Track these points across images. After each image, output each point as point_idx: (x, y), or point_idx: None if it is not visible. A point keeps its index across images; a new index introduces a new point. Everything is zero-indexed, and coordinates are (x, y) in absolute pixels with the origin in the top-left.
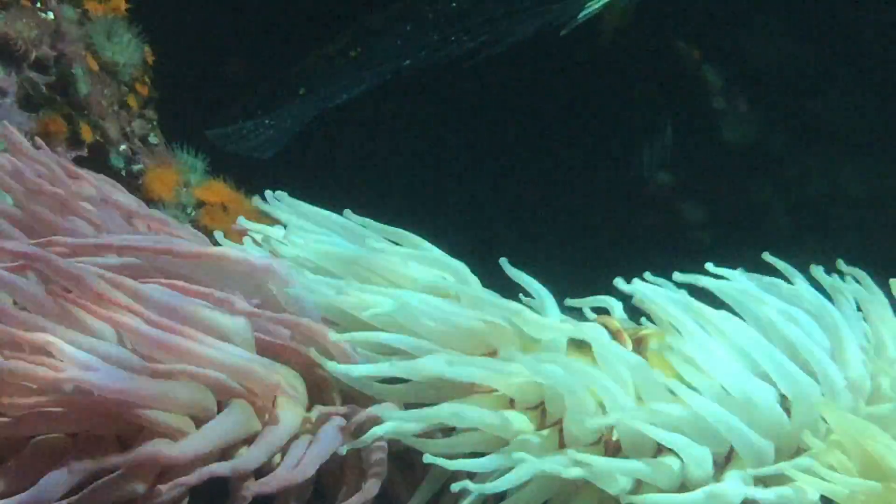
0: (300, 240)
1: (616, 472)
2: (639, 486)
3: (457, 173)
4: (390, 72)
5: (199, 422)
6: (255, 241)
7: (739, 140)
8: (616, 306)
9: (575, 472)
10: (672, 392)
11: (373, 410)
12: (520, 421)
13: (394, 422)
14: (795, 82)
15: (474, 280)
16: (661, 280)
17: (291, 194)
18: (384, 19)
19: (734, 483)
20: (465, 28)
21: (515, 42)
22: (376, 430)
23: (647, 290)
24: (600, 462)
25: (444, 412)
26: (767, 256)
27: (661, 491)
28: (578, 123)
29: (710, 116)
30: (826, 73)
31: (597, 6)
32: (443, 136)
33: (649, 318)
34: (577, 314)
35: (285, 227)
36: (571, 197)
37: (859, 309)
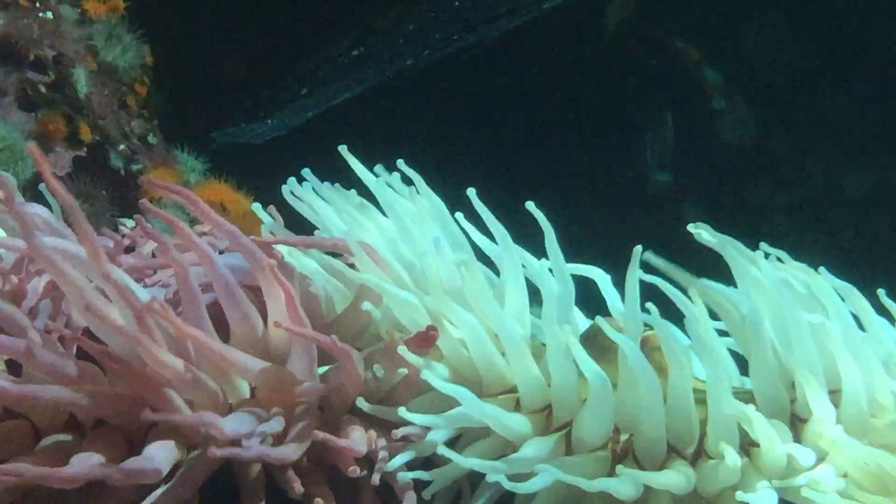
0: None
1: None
2: (648, 493)
3: (455, 171)
4: (393, 71)
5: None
6: None
7: (739, 140)
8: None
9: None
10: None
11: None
12: (528, 425)
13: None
14: (795, 82)
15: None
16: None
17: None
18: (387, 19)
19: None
20: (467, 26)
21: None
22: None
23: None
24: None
25: (469, 406)
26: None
27: (673, 497)
28: (578, 122)
29: (710, 116)
30: (826, 73)
31: None
32: (442, 134)
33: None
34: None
35: None
36: (571, 196)
37: None
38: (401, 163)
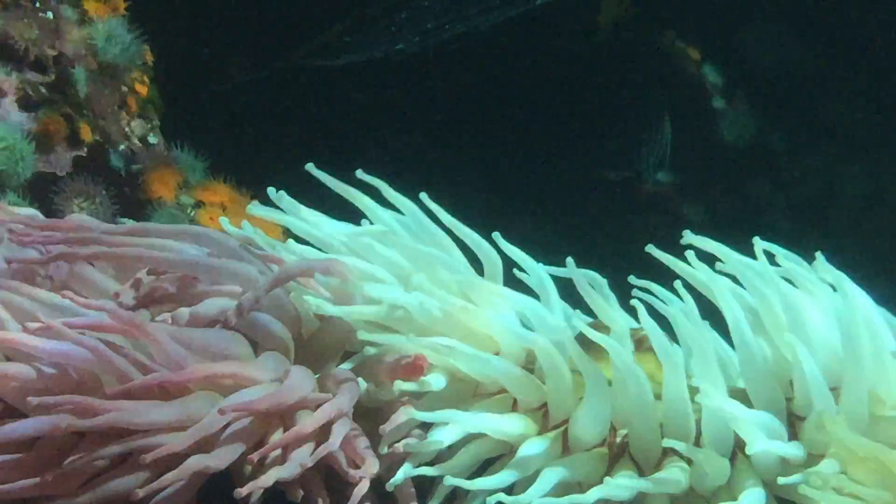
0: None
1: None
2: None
3: (453, 171)
4: (383, 54)
5: None
6: None
7: (739, 140)
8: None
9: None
10: None
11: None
12: (524, 425)
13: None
14: (795, 82)
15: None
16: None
17: (291, 193)
18: (381, 9)
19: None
20: (461, 16)
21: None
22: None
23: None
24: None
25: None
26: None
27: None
28: (577, 121)
29: (710, 116)
30: (826, 73)
31: None
32: (439, 134)
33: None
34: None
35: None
36: (570, 196)
37: None
38: (360, 173)
